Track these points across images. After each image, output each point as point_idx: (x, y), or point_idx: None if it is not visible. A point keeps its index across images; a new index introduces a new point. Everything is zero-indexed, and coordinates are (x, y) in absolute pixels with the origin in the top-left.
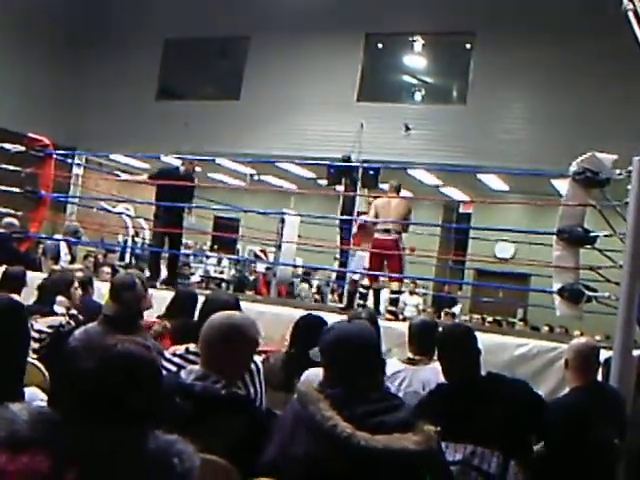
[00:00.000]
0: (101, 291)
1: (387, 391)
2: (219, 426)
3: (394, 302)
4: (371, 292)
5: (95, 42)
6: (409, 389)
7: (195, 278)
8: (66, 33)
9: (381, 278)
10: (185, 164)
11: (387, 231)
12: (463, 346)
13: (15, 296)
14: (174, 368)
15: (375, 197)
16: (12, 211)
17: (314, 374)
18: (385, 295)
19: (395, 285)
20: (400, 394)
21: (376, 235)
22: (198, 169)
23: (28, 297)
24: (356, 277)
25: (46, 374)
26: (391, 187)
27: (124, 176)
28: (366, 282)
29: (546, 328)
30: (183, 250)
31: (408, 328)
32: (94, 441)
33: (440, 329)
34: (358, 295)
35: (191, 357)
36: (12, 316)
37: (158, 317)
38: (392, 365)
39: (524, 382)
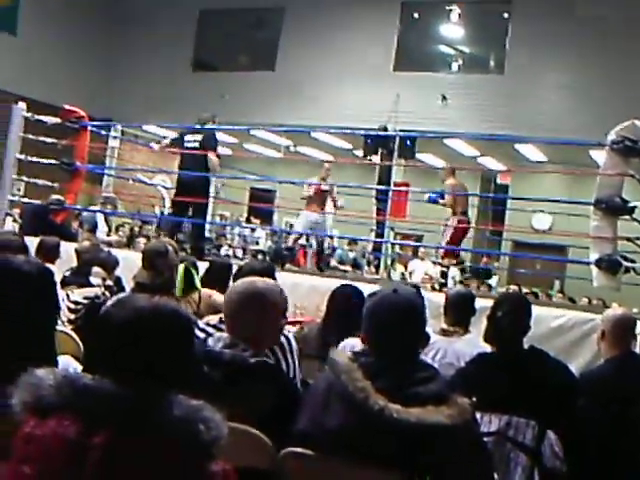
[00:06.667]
0: (136, 262)
1: (422, 362)
2: (248, 394)
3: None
4: None
5: (130, 13)
6: (443, 361)
7: (225, 251)
8: (101, 4)
9: None
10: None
11: None
12: (518, 315)
13: (50, 266)
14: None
15: None
16: (48, 183)
17: (351, 344)
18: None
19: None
20: (434, 366)
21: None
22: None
23: (63, 268)
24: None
25: (80, 344)
26: None
27: (155, 147)
28: None
29: (584, 300)
30: (220, 221)
31: (444, 299)
32: (120, 405)
33: (500, 294)
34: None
35: (224, 327)
36: (40, 281)
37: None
38: None
39: (564, 364)
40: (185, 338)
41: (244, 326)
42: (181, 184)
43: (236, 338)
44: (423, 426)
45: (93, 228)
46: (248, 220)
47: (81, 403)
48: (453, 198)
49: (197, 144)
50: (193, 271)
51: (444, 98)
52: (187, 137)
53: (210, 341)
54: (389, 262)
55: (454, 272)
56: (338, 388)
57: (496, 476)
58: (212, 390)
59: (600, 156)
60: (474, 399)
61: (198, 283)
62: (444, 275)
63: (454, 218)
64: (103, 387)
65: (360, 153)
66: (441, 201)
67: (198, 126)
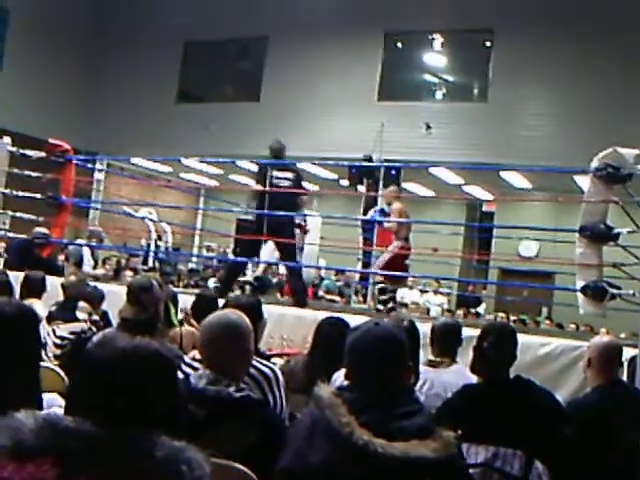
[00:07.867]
0: (123, 296)
1: (406, 395)
2: (233, 430)
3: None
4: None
5: (114, 46)
6: (430, 392)
7: (212, 283)
8: (85, 37)
9: None
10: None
11: None
12: (504, 345)
13: (35, 301)
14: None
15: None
16: (34, 217)
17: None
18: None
19: None
20: (421, 397)
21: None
22: None
23: (50, 302)
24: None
25: (66, 380)
26: None
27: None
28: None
29: (572, 326)
30: (206, 253)
31: (431, 330)
32: (102, 448)
33: (486, 323)
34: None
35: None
36: (21, 323)
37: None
38: None
39: (551, 392)
40: (168, 379)
41: (223, 359)
42: (265, 224)
43: (216, 373)
44: (408, 460)
45: (79, 262)
46: (235, 252)
47: (61, 446)
48: (399, 223)
49: (289, 182)
50: (171, 306)
51: (428, 127)
52: (276, 173)
53: (192, 378)
54: (376, 291)
55: (442, 300)
56: (322, 423)
57: None
58: (197, 428)
59: (585, 182)
60: (459, 432)
61: (175, 319)
62: (383, 292)
63: (397, 243)
64: (84, 429)
65: (346, 183)
66: (386, 225)
67: (263, 157)
